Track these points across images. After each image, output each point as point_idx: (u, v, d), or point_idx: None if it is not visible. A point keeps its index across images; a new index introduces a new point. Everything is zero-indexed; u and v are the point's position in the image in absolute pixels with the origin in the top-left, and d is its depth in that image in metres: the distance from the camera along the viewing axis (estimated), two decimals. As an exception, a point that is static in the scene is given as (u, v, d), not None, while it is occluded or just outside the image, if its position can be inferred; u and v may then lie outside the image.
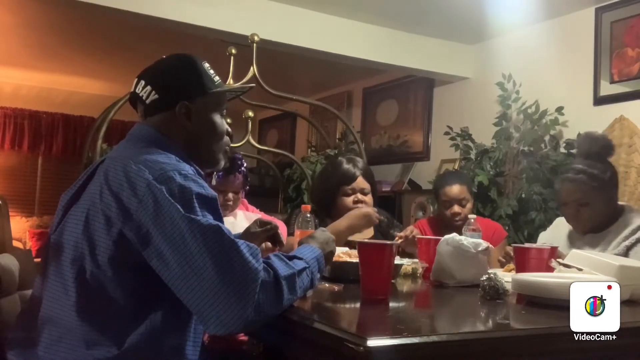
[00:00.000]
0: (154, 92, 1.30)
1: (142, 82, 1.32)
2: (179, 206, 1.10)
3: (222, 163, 1.42)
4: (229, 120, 1.55)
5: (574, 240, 2.09)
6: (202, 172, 1.31)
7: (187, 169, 1.19)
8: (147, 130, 1.31)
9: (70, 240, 1.17)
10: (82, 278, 1.13)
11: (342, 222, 2.12)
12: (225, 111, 1.41)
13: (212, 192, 1.18)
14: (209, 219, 1.11)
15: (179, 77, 1.33)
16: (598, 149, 2.01)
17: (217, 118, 1.37)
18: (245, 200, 2.63)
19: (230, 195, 2.34)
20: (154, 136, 1.29)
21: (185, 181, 1.14)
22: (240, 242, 1.10)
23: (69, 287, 1.14)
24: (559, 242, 2.03)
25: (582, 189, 1.98)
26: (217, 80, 1.37)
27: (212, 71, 1.36)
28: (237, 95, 1.56)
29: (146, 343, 1.13)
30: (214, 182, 2.33)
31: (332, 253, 1.40)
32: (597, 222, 2.02)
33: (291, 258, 1.20)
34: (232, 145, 3.27)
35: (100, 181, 1.17)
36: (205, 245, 1.07)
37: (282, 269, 1.13)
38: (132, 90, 1.34)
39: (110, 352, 1.11)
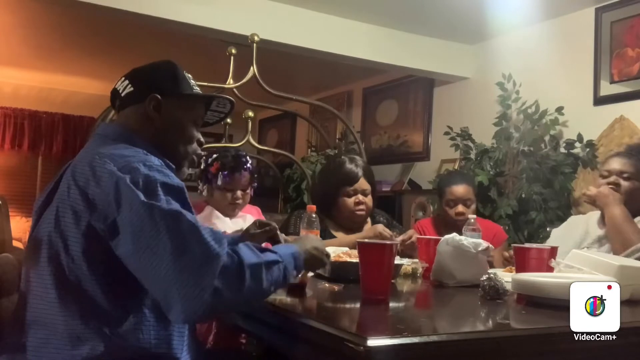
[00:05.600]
0: (130, 85, 1.34)
1: (123, 79, 1.37)
2: (140, 193, 1.09)
3: (185, 170, 1.39)
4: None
5: (593, 236, 2.10)
6: (173, 166, 1.29)
7: (154, 160, 1.18)
8: (112, 128, 1.33)
9: (44, 239, 1.17)
10: (61, 275, 1.13)
11: (355, 236, 2.14)
12: (200, 123, 1.40)
13: (178, 182, 1.16)
14: (173, 205, 1.10)
15: (155, 73, 1.37)
16: None
17: (188, 123, 1.37)
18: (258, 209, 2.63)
19: (239, 193, 2.36)
20: (120, 133, 1.30)
21: (150, 171, 1.13)
22: (203, 227, 1.08)
23: (49, 286, 1.14)
24: (572, 239, 2.03)
25: (632, 164, 2.06)
26: (196, 89, 1.39)
27: (193, 81, 1.39)
28: (219, 119, 1.53)
29: (131, 336, 1.13)
30: (219, 182, 2.33)
31: (319, 251, 1.36)
32: (629, 205, 2.03)
33: (263, 250, 1.18)
34: (232, 145, 3.28)
35: (68, 179, 1.18)
36: (166, 230, 1.06)
37: (248, 256, 1.10)
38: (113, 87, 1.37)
39: (97, 349, 1.10)
